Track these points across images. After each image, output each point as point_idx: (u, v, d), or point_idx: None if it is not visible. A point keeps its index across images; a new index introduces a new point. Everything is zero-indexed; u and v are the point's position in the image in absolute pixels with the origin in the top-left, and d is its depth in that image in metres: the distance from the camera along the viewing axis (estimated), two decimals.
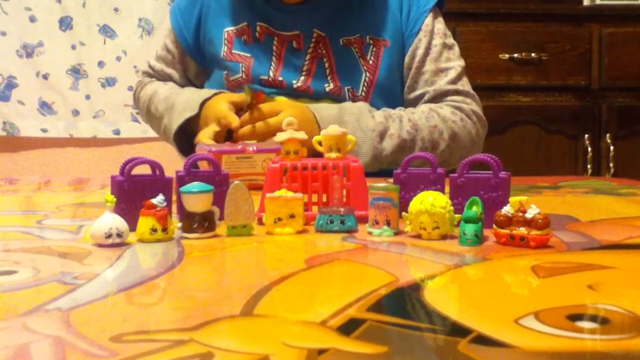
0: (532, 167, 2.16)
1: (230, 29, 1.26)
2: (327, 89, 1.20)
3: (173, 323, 0.38)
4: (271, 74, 1.22)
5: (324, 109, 1.14)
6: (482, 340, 0.35)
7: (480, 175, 0.66)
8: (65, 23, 2.45)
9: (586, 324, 0.38)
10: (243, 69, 1.23)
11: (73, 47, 2.43)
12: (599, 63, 2.20)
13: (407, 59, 1.25)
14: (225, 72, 1.24)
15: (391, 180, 0.71)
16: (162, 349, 0.34)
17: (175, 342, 0.35)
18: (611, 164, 2.18)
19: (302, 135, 0.71)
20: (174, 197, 0.67)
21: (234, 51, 1.25)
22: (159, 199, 0.62)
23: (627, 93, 2.22)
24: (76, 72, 2.40)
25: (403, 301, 0.43)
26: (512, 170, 0.69)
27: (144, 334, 0.37)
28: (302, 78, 1.21)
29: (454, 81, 1.24)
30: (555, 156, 2.21)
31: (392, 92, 1.26)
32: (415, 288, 0.46)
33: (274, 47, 1.23)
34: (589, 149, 2.18)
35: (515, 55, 2.16)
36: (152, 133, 1.38)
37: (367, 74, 1.23)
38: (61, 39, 2.43)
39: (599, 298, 0.44)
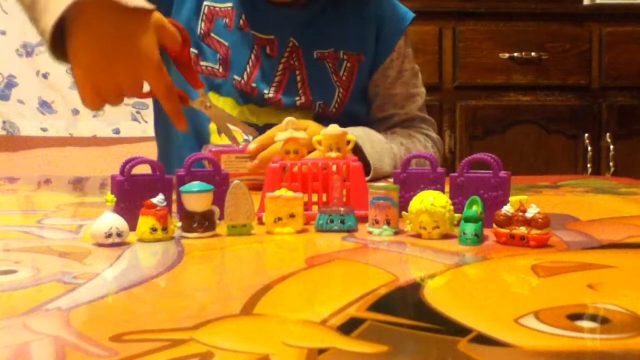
0: (532, 167, 2.17)
1: (210, 3, 1.15)
2: (298, 102, 1.16)
3: (173, 322, 0.38)
4: (245, 77, 1.15)
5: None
6: (482, 339, 0.35)
7: (480, 174, 0.66)
8: None
9: (586, 324, 0.38)
10: (220, 60, 1.14)
11: None
12: (599, 62, 2.20)
13: (377, 76, 1.24)
14: (196, 52, 1.13)
15: (391, 179, 0.71)
16: (162, 349, 0.34)
17: (175, 341, 0.35)
18: (611, 163, 2.18)
19: (302, 135, 0.71)
20: (174, 197, 0.67)
21: (212, 34, 1.14)
22: (158, 199, 0.62)
23: (627, 92, 2.22)
24: None
25: (403, 300, 0.43)
26: (512, 169, 0.69)
27: (144, 333, 0.37)
28: (272, 89, 1.16)
29: (420, 109, 1.30)
30: (555, 155, 2.21)
31: (361, 107, 1.25)
32: (415, 287, 0.46)
33: (254, 45, 1.15)
34: (589, 148, 2.19)
35: (515, 54, 2.16)
36: (152, 132, 1.33)
37: (340, 90, 1.20)
38: None
39: (599, 297, 0.44)
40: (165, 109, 0.83)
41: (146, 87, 0.83)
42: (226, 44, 1.15)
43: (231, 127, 0.93)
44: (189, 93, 0.86)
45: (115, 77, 0.80)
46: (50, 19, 0.78)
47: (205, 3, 1.16)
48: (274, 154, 0.94)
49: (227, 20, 1.16)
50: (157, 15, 0.81)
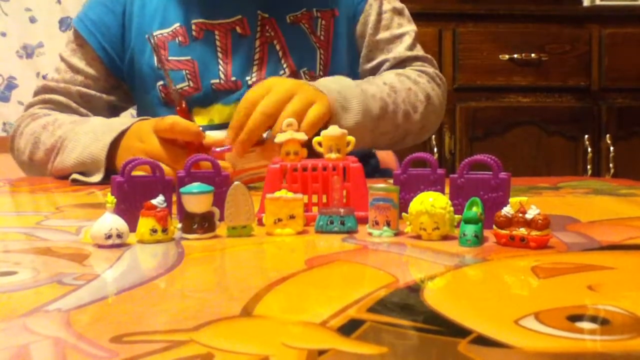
0: (532, 168, 2.17)
1: (158, 32, 1.14)
2: (283, 77, 1.12)
3: (173, 324, 0.38)
4: (222, 75, 1.12)
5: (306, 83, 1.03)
6: (482, 340, 0.35)
7: (480, 175, 0.66)
8: (66, 24, 2.45)
9: (586, 325, 0.38)
10: (188, 76, 1.12)
11: None
12: (598, 64, 2.21)
13: (359, 27, 1.19)
14: (160, 83, 1.13)
15: (391, 181, 0.71)
16: (162, 350, 0.34)
17: (175, 342, 0.35)
18: (611, 165, 2.18)
19: (302, 136, 0.71)
20: (174, 198, 0.67)
21: (170, 57, 1.13)
22: (159, 200, 0.62)
23: (627, 94, 2.23)
24: None
25: (403, 302, 0.43)
26: (512, 171, 0.69)
27: (144, 334, 0.37)
28: (255, 70, 1.12)
29: (410, 47, 1.21)
30: (555, 157, 2.21)
31: (350, 65, 1.19)
32: (415, 289, 0.46)
33: (217, 42, 1.13)
34: (589, 149, 2.19)
35: (515, 56, 2.17)
36: None
37: (321, 51, 1.16)
38: (61, 39, 2.44)
39: (599, 299, 0.44)
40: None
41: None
42: (189, 57, 1.13)
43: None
44: None
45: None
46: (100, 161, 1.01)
47: (154, 34, 1.14)
48: (251, 129, 0.90)
49: (179, 39, 1.14)
50: (151, 123, 0.96)
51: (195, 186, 0.63)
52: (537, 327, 0.37)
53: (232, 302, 0.43)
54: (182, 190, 0.63)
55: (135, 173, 0.66)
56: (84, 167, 1.04)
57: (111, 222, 0.59)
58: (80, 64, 1.20)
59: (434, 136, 2.16)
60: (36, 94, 1.24)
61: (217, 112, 1.14)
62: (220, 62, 1.13)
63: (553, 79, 2.19)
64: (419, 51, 1.23)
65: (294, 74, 1.14)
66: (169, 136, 0.94)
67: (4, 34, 2.41)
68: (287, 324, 0.39)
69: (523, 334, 0.36)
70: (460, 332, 0.36)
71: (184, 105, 1.03)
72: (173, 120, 0.93)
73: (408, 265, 0.55)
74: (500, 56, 2.16)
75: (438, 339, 0.36)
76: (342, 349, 0.34)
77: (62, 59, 1.22)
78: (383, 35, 1.20)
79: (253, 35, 1.14)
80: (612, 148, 2.18)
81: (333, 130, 0.72)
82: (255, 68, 1.13)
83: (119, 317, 0.40)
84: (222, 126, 1.11)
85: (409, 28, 1.23)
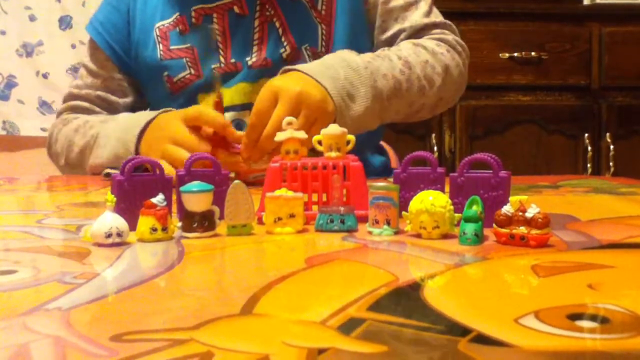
0: (532, 167, 2.17)
1: (160, 24, 1.15)
2: (284, 55, 1.10)
3: (173, 322, 0.38)
4: (222, 59, 1.11)
5: (304, 65, 1.02)
6: (482, 339, 0.35)
7: (480, 174, 0.66)
8: (65, 22, 2.45)
9: (586, 323, 0.38)
10: (189, 63, 1.12)
11: (73, 47, 2.43)
12: (598, 62, 2.21)
13: None
14: (166, 73, 1.14)
15: (391, 179, 0.71)
16: (162, 348, 0.34)
17: (175, 341, 0.35)
18: (611, 163, 2.18)
19: (302, 134, 0.71)
20: (174, 197, 0.67)
21: (172, 47, 1.14)
22: (159, 199, 0.62)
23: (627, 92, 2.23)
24: (76, 71, 2.40)
25: (403, 301, 0.43)
26: (512, 169, 0.69)
27: (144, 333, 0.37)
28: (255, 50, 1.11)
29: (427, 14, 1.15)
30: (555, 155, 2.21)
31: (356, 39, 1.15)
32: (415, 287, 0.46)
33: (216, 25, 1.12)
34: (589, 148, 2.19)
35: (515, 54, 2.17)
36: None
37: (323, 26, 1.12)
38: (61, 38, 2.44)
39: (599, 297, 0.44)
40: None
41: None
42: (189, 44, 1.13)
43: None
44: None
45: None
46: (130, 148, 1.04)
47: (155, 26, 1.15)
48: (264, 143, 0.92)
49: (180, 28, 1.14)
50: (177, 113, 1.00)
51: (195, 185, 0.63)
52: (537, 325, 0.37)
53: (232, 300, 0.43)
54: (182, 189, 0.63)
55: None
56: (117, 159, 1.05)
57: (111, 220, 0.59)
58: (95, 66, 1.22)
59: (433, 135, 2.17)
60: (64, 101, 1.27)
61: (225, 97, 1.13)
62: (220, 45, 1.12)
63: (553, 78, 2.19)
64: (436, 17, 1.17)
65: (295, 51, 1.11)
66: (195, 124, 0.96)
67: (3, 33, 2.41)
68: (287, 323, 0.39)
69: (523, 333, 0.36)
70: (460, 330, 0.36)
71: (219, 99, 1.04)
72: (200, 109, 0.96)
73: (408, 264, 0.55)
74: (500, 54, 2.16)
75: (438, 337, 0.36)
76: (342, 348, 0.34)
77: (83, 65, 1.25)
78: (397, 2, 1.15)
79: (252, 15, 1.12)
80: (612, 146, 2.18)
81: (333, 128, 0.72)
82: (255, 48, 1.11)
83: (119, 315, 0.40)
84: (225, 110, 1.11)
85: None
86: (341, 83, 0.99)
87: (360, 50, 1.09)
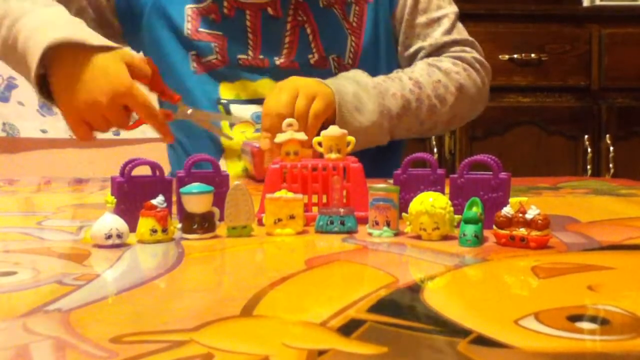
0: (532, 168, 2.17)
1: (192, 6, 1.14)
2: (312, 61, 1.12)
3: (173, 324, 0.38)
4: (250, 52, 1.12)
5: (321, 80, 1.05)
6: (482, 341, 0.35)
7: (480, 176, 0.66)
8: None
9: (586, 325, 0.38)
10: (217, 49, 1.13)
11: None
12: (598, 64, 2.21)
13: (398, 12, 1.16)
14: (193, 52, 1.13)
15: (391, 181, 0.71)
16: (162, 350, 0.34)
17: (175, 343, 0.35)
18: (611, 165, 2.18)
19: (302, 136, 0.71)
20: (174, 198, 0.67)
21: (200, 29, 1.13)
22: (158, 200, 0.62)
23: (627, 94, 2.23)
24: None
25: (403, 302, 0.43)
26: (512, 171, 0.69)
27: (144, 334, 0.37)
28: (284, 52, 1.12)
29: (449, 31, 1.17)
30: (555, 157, 2.21)
31: (380, 54, 1.17)
32: (415, 289, 0.46)
33: (248, 22, 1.12)
34: (589, 149, 2.19)
35: (515, 56, 2.17)
36: (152, 134, 1.32)
37: (352, 38, 1.14)
38: None
39: (599, 299, 0.44)
40: (151, 125, 0.93)
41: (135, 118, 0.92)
42: (220, 33, 1.13)
43: (235, 118, 1.03)
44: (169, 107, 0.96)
45: (98, 109, 0.91)
46: (30, 70, 0.90)
47: (187, 7, 1.14)
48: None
49: (213, 16, 1.14)
50: (124, 52, 0.92)
51: (195, 186, 0.63)
52: (537, 327, 0.37)
53: (232, 302, 0.43)
54: (182, 190, 0.63)
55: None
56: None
57: (111, 222, 0.59)
58: None
59: (433, 136, 2.16)
60: None
61: (243, 87, 1.14)
62: (250, 42, 1.13)
63: (553, 79, 2.19)
64: (458, 34, 1.18)
65: (322, 59, 1.13)
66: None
67: None
68: (287, 324, 0.39)
69: (523, 334, 0.36)
70: (460, 332, 0.36)
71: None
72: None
73: (408, 265, 0.55)
74: (500, 56, 2.16)
75: (438, 339, 0.36)
76: (342, 349, 0.34)
77: None
78: (420, 19, 1.16)
79: (284, 18, 1.13)
80: (612, 148, 2.18)
81: (333, 130, 0.72)
82: (285, 51, 1.13)
83: (119, 317, 0.40)
84: (248, 102, 1.13)
85: (449, 10, 1.18)
86: (348, 98, 1.04)
87: (383, 64, 1.14)
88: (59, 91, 0.92)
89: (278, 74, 1.11)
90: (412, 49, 1.17)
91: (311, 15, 1.14)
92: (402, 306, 0.42)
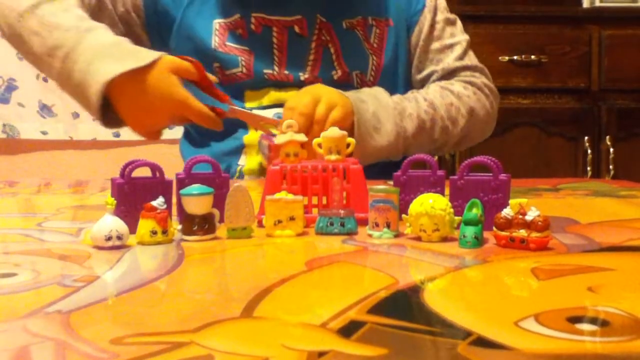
0: (532, 169, 2.17)
1: (220, 20, 1.18)
2: (335, 77, 1.16)
3: (173, 325, 0.38)
4: (276, 68, 1.16)
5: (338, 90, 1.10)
6: (482, 342, 0.35)
7: (480, 177, 0.66)
8: None
9: (586, 326, 0.38)
10: (243, 63, 1.16)
11: None
12: (598, 65, 2.21)
13: (413, 38, 1.23)
14: (217, 64, 1.16)
15: (391, 182, 0.71)
16: (163, 351, 0.34)
17: (175, 344, 0.35)
18: (611, 166, 2.18)
19: (302, 137, 0.71)
20: (174, 200, 0.67)
21: (227, 43, 1.17)
22: (159, 202, 0.62)
23: (627, 95, 2.23)
24: None
25: (403, 303, 0.43)
26: (511, 172, 0.69)
27: (144, 336, 0.37)
28: (308, 69, 1.16)
29: (460, 57, 1.23)
30: (555, 158, 2.21)
31: (399, 74, 1.23)
32: (415, 290, 0.46)
33: (274, 40, 1.16)
34: (589, 151, 2.19)
35: (515, 57, 2.17)
36: None
37: (374, 57, 1.19)
38: None
39: (599, 300, 0.44)
40: (207, 127, 1.02)
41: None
42: (246, 48, 1.17)
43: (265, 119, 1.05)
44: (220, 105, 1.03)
45: (163, 125, 1.07)
46: (90, 105, 1.02)
47: (215, 21, 1.18)
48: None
49: (239, 32, 1.17)
50: (168, 58, 1.01)
51: (195, 188, 0.63)
52: (537, 328, 0.37)
53: (232, 303, 0.43)
54: (182, 191, 0.63)
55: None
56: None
57: (111, 223, 0.59)
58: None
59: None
60: None
61: (268, 96, 1.18)
62: (276, 58, 1.16)
63: (553, 80, 2.19)
64: (469, 60, 1.25)
65: (346, 77, 1.17)
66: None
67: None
68: (287, 326, 0.39)
69: (523, 336, 0.36)
70: (460, 333, 0.36)
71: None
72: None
73: (408, 266, 0.55)
74: (500, 58, 2.16)
75: (438, 340, 0.36)
76: (342, 351, 0.34)
77: None
78: (434, 45, 1.23)
79: (310, 37, 1.17)
80: (612, 149, 2.18)
81: (333, 131, 0.72)
82: (309, 68, 1.17)
83: (119, 318, 0.40)
84: (270, 107, 1.16)
85: (461, 38, 1.26)
86: (367, 117, 1.09)
87: (401, 83, 1.20)
88: (125, 117, 1.05)
89: (301, 87, 1.14)
90: (424, 72, 1.24)
91: (335, 36, 1.19)
92: (402, 307, 0.42)
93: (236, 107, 1.04)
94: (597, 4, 2.24)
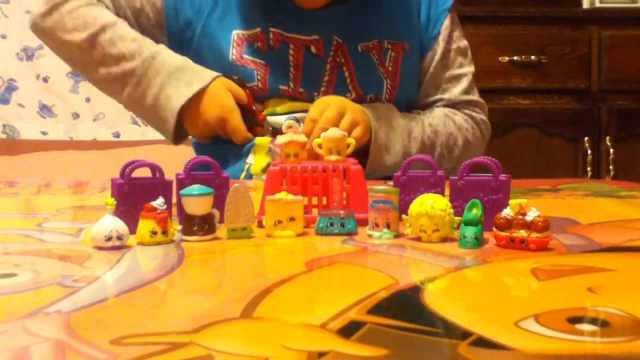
0: (532, 170, 2.17)
1: (239, 32, 1.19)
2: (350, 99, 1.17)
3: (173, 326, 0.38)
4: (291, 84, 1.17)
5: (359, 106, 1.14)
6: (482, 342, 0.35)
7: (480, 177, 0.66)
8: None
9: (586, 327, 0.38)
10: (259, 77, 1.17)
11: None
12: (598, 66, 2.21)
13: (425, 63, 1.25)
14: (236, 77, 1.18)
15: (391, 183, 0.71)
16: (163, 352, 0.34)
17: (175, 344, 0.35)
18: (611, 167, 2.18)
19: (302, 138, 0.71)
20: (174, 200, 0.67)
21: (245, 56, 1.18)
22: (159, 202, 0.62)
23: (627, 96, 2.22)
24: (76, 75, 2.41)
25: (403, 304, 0.43)
26: (511, 172, 0.69)
27: (144, 336, 0.37)
28: (322, 89, 1.18)
29: (466, 91, 1.27)
30: (555, 159, 2.21)
31: (412, 98, 1.26)
32: (415, 291, 0.46)
33: (290, 57, 1.18)
34: (589, 151, 2.19)
35: (515, 58, 2.17)
36: (152, 136, 1.34)
37: (388, 81, 1.21)
38: None
39: (599, 301, 0.44)
40: (236, 142, 1.14)
41: None
42: (263, 62, 1.18)
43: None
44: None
45: (209, 125, 1.16)
46: (166, 129, 1.17)
47: (234, 32, 1.19)
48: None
49: (258, 44, 1.18)
50: (224, 80, 1.15)
51: (196, 188, 0.63)
52: (537, 329, 0.37)
53: (232, 304, 0.43)
54: (182, 192, 0.63)
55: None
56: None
57: (111, 224, 0.59)
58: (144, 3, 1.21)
59: None
60: None
61: (282, 106, 1.19)
62: (291, 74, 1.18)
63: (553, 81, 2.19)
64: (473, 95, 1.29)
65: (360, 97, 1.19)
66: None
67: (4, 36, 2.41)
68: (287, 326, 0.39)
69: (523, 336, 0.36)
70: (460, 334, 0.36)
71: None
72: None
73: (408, 267, 0.55)
74: (500, 58, 2.16)
75: (438, 340, 0.36)
76: (342, 351, 0.34)
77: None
78: (444, 73, 1.26)
79: (325, 58, 1.19)
80: (612, 150, 2.18)
81: (333, 132, 0.72)
82: (323, 88, 1.19)
83: (119, 319, 0.40)
84: (285, 113, 1.18)
85: (468, 69, 1.28)
86: (380, 134, 1.13)
87: (413, 105, 1.24)
88: (188, 126, 1.18)
89: None
90: (430, 99, 1.27)
91: (349, 58, 1.19)
92: (402, 308, 0.42)
93: (269, 125, 1.14)
94: (597, 4, 2.24)
